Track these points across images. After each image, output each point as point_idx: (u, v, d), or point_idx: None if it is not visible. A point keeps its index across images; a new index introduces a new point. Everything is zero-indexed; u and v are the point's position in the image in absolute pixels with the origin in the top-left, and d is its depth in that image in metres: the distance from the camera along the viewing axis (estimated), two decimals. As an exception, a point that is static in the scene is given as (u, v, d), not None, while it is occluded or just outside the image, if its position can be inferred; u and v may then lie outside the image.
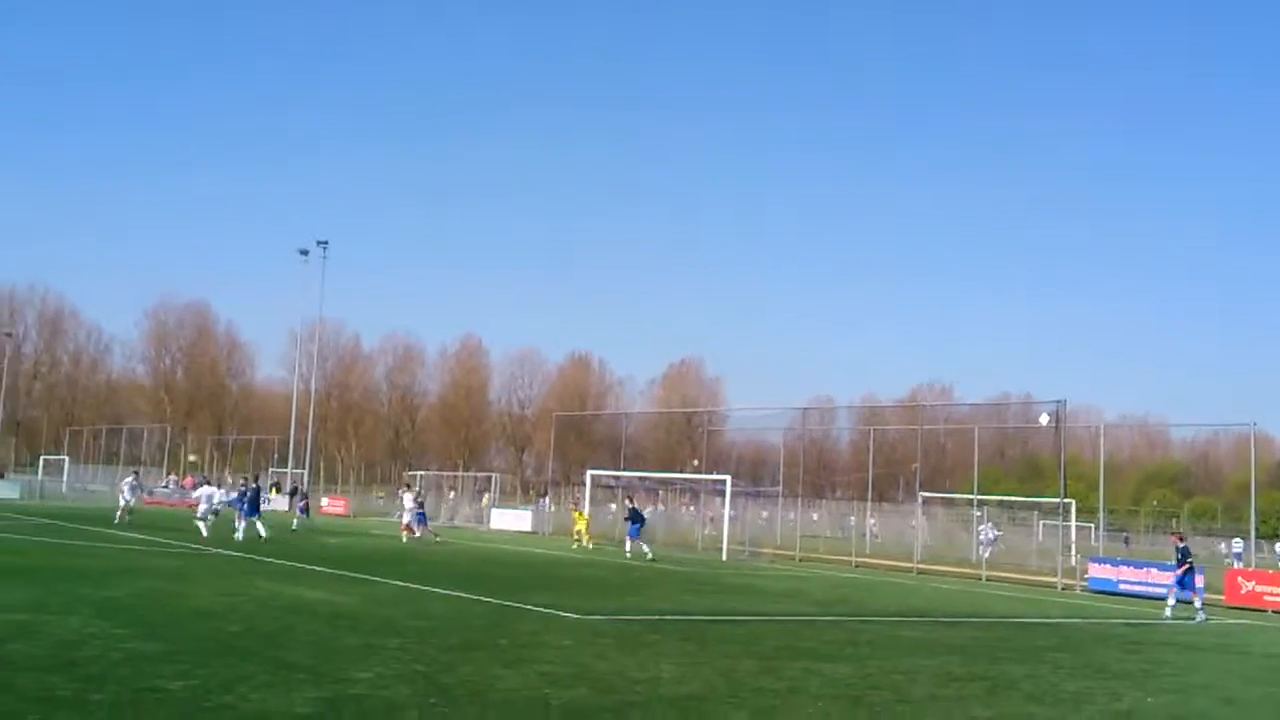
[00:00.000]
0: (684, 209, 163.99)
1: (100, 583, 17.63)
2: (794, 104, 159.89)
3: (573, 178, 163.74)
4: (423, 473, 66.89)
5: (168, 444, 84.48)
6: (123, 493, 38.36)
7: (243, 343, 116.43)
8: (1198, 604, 24.03)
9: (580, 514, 41.74)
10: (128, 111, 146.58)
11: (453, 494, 63.47)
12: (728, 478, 42.16)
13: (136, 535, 30.91)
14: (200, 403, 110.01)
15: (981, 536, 42.13)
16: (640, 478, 61.90)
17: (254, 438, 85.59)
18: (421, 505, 38.79)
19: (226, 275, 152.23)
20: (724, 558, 37.93)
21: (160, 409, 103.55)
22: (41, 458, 79.09)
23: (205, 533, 31.11)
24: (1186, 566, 24.16)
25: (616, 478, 53.35)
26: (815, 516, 58.52)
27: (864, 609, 21.00)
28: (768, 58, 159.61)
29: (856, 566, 37.34)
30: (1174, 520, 73.85)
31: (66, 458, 76.36)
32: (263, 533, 31.35)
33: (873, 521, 52.22)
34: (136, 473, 45.52)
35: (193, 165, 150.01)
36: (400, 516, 38.59)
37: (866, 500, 50.30)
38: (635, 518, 36.43)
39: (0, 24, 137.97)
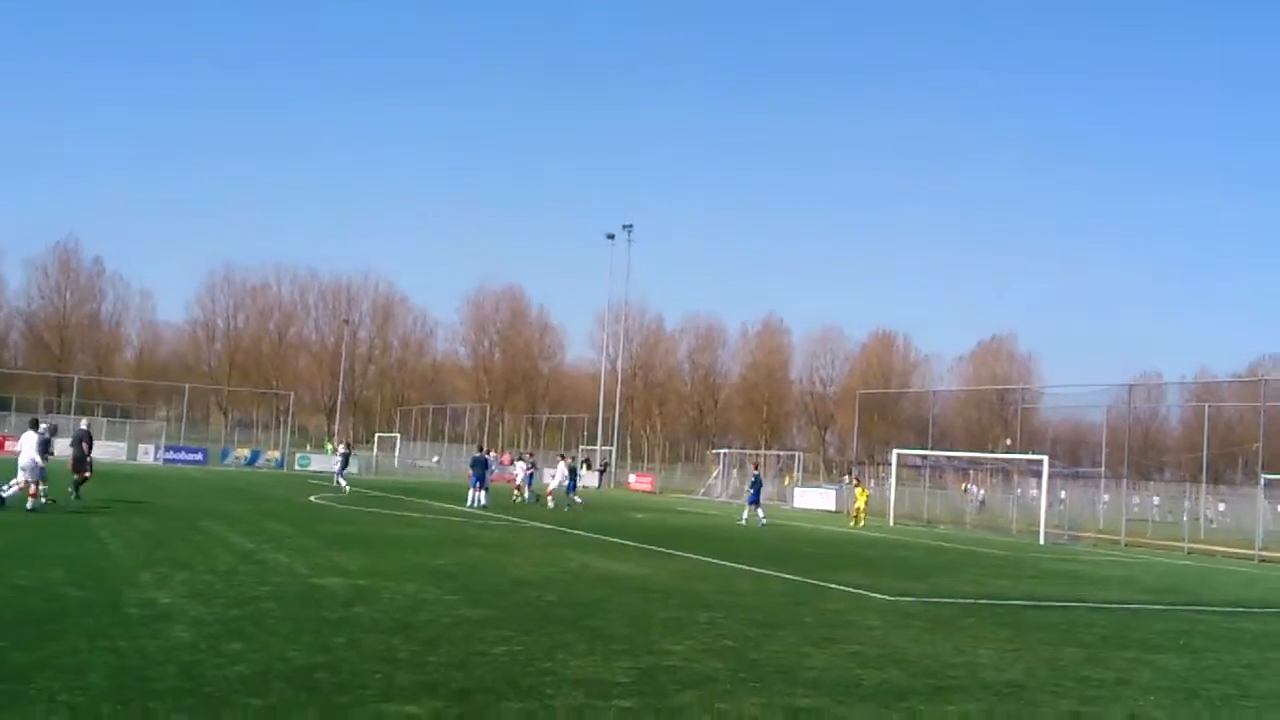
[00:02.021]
0: (987, 179, 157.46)
1: (430, 552, 18.83)
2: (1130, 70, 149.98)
3: (876, 149, 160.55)
4: (726, 450, 67.69)
5: (487, 423, 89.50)
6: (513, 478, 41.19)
7: (554, 325, 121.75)
8: None
9: (863, 490, 41.21)
10: (457, 108, 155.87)
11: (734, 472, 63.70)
12: (1044, 457, 40.20)
13: (461, 509, 32.92)
14: (515, 383, 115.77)
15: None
16: (949, 457, 60.11)
17: (564, 416, 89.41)
18: (533, 469, 40.13)
19: (539, 261, 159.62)
20: (1041, 541, 36.22)
21: (479, 389, 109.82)
22: (376, 435, 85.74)
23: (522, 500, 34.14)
24: None
25: (924, 457, 52.02)
26: (1137, 500, 54.92)
27: (1199, 598, 19.43)
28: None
29: (1189, 553, 34.71)
30: None
31: (398, 435, 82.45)
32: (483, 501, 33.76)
33: (1214, 505, 48.39)
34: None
35: (507, 158, 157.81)
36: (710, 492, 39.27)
37: (1201, 482, 46.60)
38: (756, 485, 36.06)
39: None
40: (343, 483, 39.49)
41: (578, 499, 38.38)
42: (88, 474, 25.90)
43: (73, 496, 24.70)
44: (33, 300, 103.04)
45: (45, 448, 22.99)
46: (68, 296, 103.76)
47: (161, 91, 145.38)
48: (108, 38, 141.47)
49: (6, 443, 57.65)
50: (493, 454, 38.37)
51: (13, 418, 66.89)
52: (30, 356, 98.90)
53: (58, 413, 71.98)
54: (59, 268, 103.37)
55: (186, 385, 75.77)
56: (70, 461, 25.93)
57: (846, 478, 56.57)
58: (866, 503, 40.55)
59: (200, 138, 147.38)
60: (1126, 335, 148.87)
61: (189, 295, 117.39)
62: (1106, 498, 49.50)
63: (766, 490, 37.12)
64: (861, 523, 39.08)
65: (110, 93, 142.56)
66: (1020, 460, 47.50)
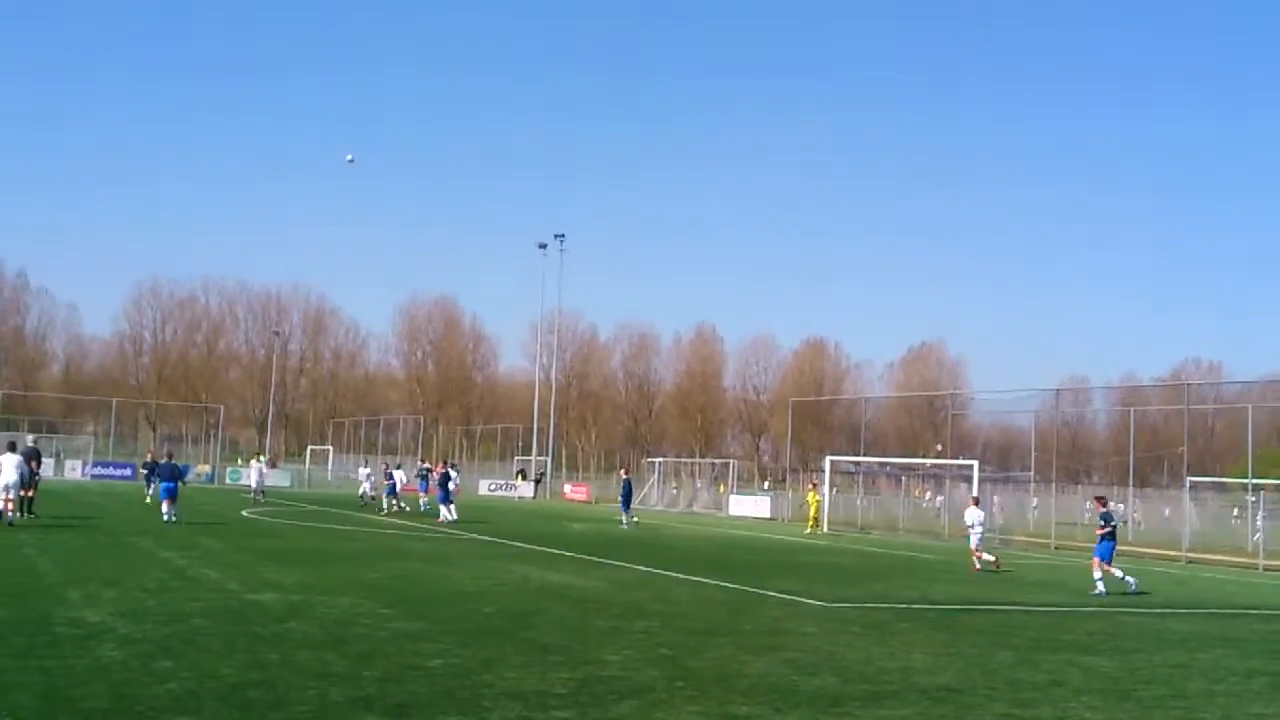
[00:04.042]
0: (914, 189, 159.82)
1: (366, 565, 18.66)
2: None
3: (802, 157, 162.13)
4: (661, 460, 67.83)
5: (421, 434, 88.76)
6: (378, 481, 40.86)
7: (487, 335, 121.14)
8: None
9: (815, 493, 41.42)
10: (387, 116, 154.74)
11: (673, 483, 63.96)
12: (975, 463, 40.77)
13: (395, 521, 32.60)
14: (449, 394, 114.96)
15: (1258, 523, 39.13)
16: (881, 463, 60.81)
17: (499, 426, 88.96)
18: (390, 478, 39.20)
19: (471, 271, 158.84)
20: (972, 543, 36.69)
21: (413, 400, 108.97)
22: (308, 448, 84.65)
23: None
24: None
25: (856, 463, 52.55)
26: (1050, 502, 55.71)
27: (1127, 600, 19.85)
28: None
29: (1118, 555, 35.33)
30: None
31: (331, 448, 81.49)
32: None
33: (1132, 508, 49.39)
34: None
35: (439, 166, 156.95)
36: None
37: (1128, 485, 47.60)
38: (626, 489, 38.51)
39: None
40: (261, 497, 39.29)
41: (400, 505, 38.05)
42: (33, 492, 25.33)
43: (23, 516, 24.10)
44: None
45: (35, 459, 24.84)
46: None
47: (82, 103, 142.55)
48: (26, 46, 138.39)
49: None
50: (426, 464, 37.98)
51: (-69, 434, 65.03)
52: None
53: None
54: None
55: (114, 400, 74.13)
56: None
57: (808, 487, 56.85)
58: (819, 508, 40.34)
59: (124, 149, 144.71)
60: (1053, 340, 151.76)
61: (115, 309, 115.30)
62: (1036, 502, 50.33)
63: (703, 498, 37.66)
64: (814, 529, 39.20)
65: (31, 104, 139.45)
66: (951, 465, 48.15)
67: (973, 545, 25.67)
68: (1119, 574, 20.72)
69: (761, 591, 17.48)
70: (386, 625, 11.82)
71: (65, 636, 10.06)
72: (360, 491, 42.30)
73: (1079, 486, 66.31)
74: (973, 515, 26.37)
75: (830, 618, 14.69)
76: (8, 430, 65.46)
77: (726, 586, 18.14)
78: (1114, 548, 21.20)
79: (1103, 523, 21.32)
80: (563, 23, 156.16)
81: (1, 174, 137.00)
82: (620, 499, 38.95)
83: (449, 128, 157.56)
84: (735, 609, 15.14)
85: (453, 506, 34.25)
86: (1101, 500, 22.75)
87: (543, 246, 72.64)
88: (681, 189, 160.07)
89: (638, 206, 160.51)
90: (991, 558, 25.44)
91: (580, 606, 14.43)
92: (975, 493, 32.47)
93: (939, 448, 66.02)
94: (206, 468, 64.30)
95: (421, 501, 39.03)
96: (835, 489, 46.55)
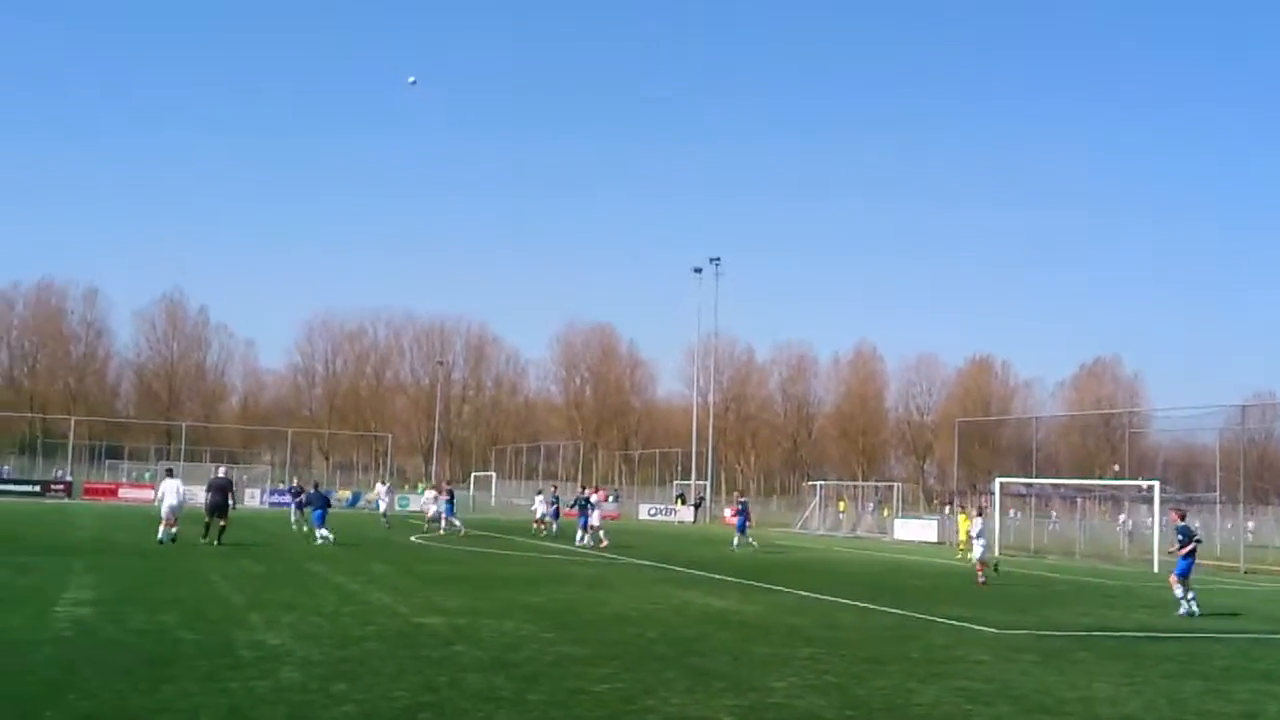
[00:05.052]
0: (1081, 198, 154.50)
1: (529, 589, 18.89)
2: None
3: (962, 169, 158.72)
4: (821, 482, 66.98)
5: (580, 459, 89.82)
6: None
7: (644, 360, 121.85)
8: None
9: (966, 516, 40.21)
10: (540, 146, 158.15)
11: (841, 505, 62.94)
12: (1155, 483, 39.00)
13: (557, 545, 32.97)
14: (607, 419, 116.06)
15: None
16: (1054, 484, 58.70)
17: (657, 451, 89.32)
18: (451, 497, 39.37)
19: (627, 296, 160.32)
20: (1155, 569, 35.08)
21: (572, 426, 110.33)
22: (471, 474, 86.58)
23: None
24: None
25: (1028, 485, 50.86)
26: (1251, 525, 52.91)
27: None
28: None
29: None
30: None
31: (494, 474, 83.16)
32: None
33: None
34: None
35: (594, 193, 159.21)
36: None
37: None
38: (743, 512, 38.54)
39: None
40: (457, 522, 38.77)
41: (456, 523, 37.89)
42: (225, 521, 26.61)
43: (214, 543, 25.33)
44: (142, 351, 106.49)
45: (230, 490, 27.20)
46: (175, 347, 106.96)
47: (269, 156, 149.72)
48: (205, 86, 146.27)
49: (120, 490, 59.56)
50: (589, 491, 38.00)
51: (125, 465, 69.05)
52: (140, 405, 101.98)
53: (167, 459, 73.95)
54: (166, 319, 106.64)
55: (290, 430, 77.42)
56: (209, 507, 26.45)
57: (948, 507, 55.54)
58: (969, 532, 39.29)
59: (293, 189, 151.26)
60: (1235, 355, 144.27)
61: (289, 342, 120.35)
62: (1230, 524, 47.69)
63: (866, 522, 36.97)
64: (966, 553, 38.09)
65: (208, 149, 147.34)
66: (1130, 486, 46.14)
67: (976, 556, 25.13)
68: (1179, 592, 19.48)
69: (929, 618, 17.02)
70: (551, 649, 11.92)
71: (247, 659, 10.45)
72: (382, 510, 42.47)
73: (1268, 508, 62.71)
74: (977, 526, 25.68)
75: (1003, 645, 14.17)
76: (191, 460, 69.21)
77: (892, 612, 17.71)
78: (1192, 565, 19.98)
79: (1182, 538, 20.02)
80: (720, 49, 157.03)
81: (184, 218, 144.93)
82: (737, 522, 38.46)
83: (602, 155, 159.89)
84: (902, 635, 14.76)
85: (592, 531, 34.05)
86: (1180, 513, 21.42)
87: (698, 270, 72.82)
88: (836, 207, 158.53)
89: (794, 226, 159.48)
90: (982, 577, 24.61)
91: (743, 632, 14.29)
92: (980, 504, 31.62)
93: (1116, 468, 63.46)
94: (347, 492, 65.93)
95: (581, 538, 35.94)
96: (1014, 510, 45.14)
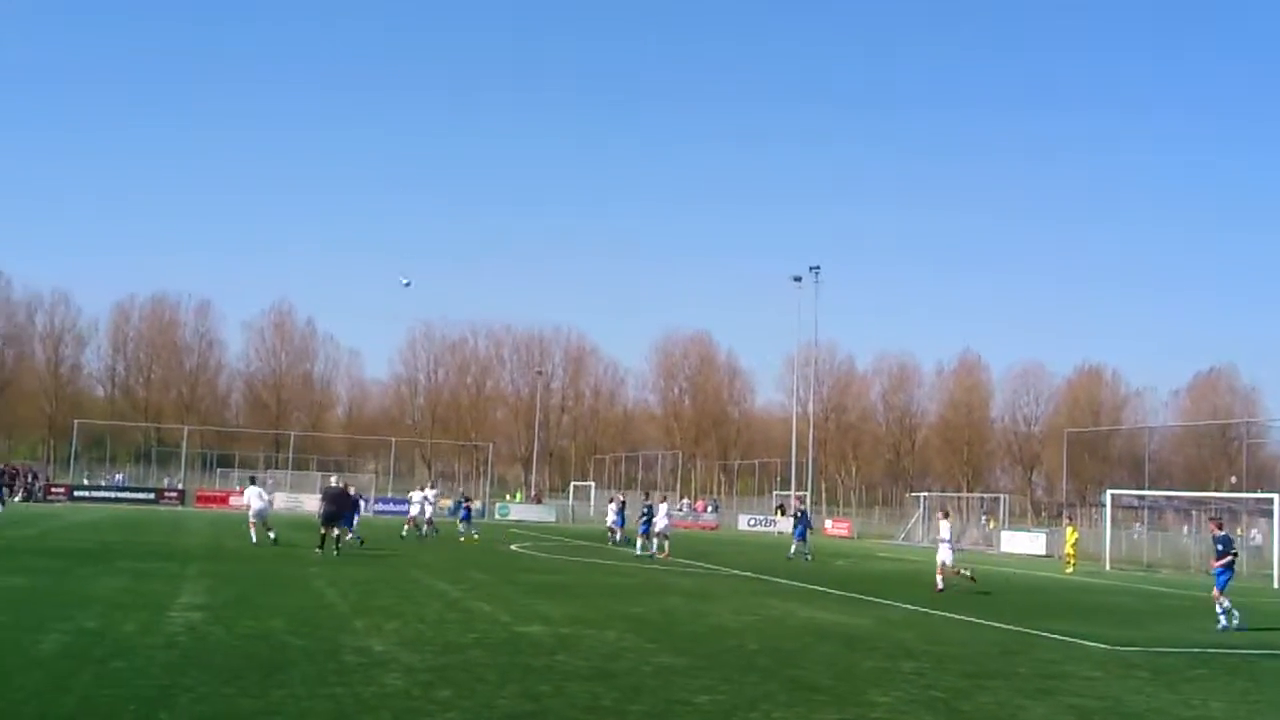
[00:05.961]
0: (1188, 204, 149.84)
1: (629, 599, 18.91)
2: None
3: (1063, 173, 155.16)
4: (925, 494, 65.90)
5: (679, 469, 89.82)
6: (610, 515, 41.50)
7: (743, 369, 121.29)
8: None
9: (1074, 529, 39.11)
10: (639, 157, 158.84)
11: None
12: (1275, 495, 37.57)
13: (618, 551, 32.96)
14: (706, 429, 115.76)
15: None
16: (1168, 496, 56.92)
17: (756, 461, 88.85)
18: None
19: (725, 305, 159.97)
20: (1275, 585, 33.81)
21: (671, 436, 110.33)
22: (571, 484, 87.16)
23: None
24: None
25: (1140, 497, 49.40)
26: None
27: None
28: None
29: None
30: None
31: (593, 483, 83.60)
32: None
33: None
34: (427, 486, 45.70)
35: (693, 201, 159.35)
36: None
37: None
38: (803, 520, 37.12)
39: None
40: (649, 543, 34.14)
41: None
42: (350, 535, 27.85)
43: (334, 552, 25.74)
44: (251, 362, 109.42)
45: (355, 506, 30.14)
46: (283, 357, 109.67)
47: (354, 177, 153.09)
48: (290, 109, 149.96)
49: (231, 498, 61.21)
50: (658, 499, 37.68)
51: (235, 474, 70.98)
52: (250, 415, 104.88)
53: (275, 468, 75.84)
54: (274, 330, 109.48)
55: (393, 439, 78.80)
56: (324, 517, 26.97)
57: (1068, 520, 54.03)
58: (1077, 545, 38.20)
59: (397, 203, 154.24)
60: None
61: (392, 352, 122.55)
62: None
63: (972, 534, 36.17)
64: (1072, 566, 37.08)
65: (315, 167, 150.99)
66: (1248, 499, 44.53)
67: (941, 560, 23.97)
68: (1222, 605, 18.63)
69: (1037, 633, 16.61)
70: (651, 659, 11.90)
71: (352, 665, 10.63)
72: (428, 516, 38.35)
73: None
74: (945, 529, 24.75)
75: (1114, 661, 13.76)
76: (299, 469, 70.90)
77: (999, 627, 17.32)
78: (1231, 577, 19.18)
79: (1220, 549, 19.23)
80: (813, 51, 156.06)
81: (294, 232, 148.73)
82: (795, 530, 36.99)
83: (702, 163, 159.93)
84: (1008, 650, 14.43)
85: (657, 539, 32.92)
86: (1218, 523, 20.43)
87: (797, 279, 72.31)
88: (935, 214, 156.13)
89: (894, 234, 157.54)
90: (940, 582, 23.58)
91: (846, 645, 14.10)
92: (944, 506, 30.30)
93: (1234, 479, 61.30)
94: (478, 503, 66.61)
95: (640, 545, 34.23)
96: (1133, 523, 43.75)
